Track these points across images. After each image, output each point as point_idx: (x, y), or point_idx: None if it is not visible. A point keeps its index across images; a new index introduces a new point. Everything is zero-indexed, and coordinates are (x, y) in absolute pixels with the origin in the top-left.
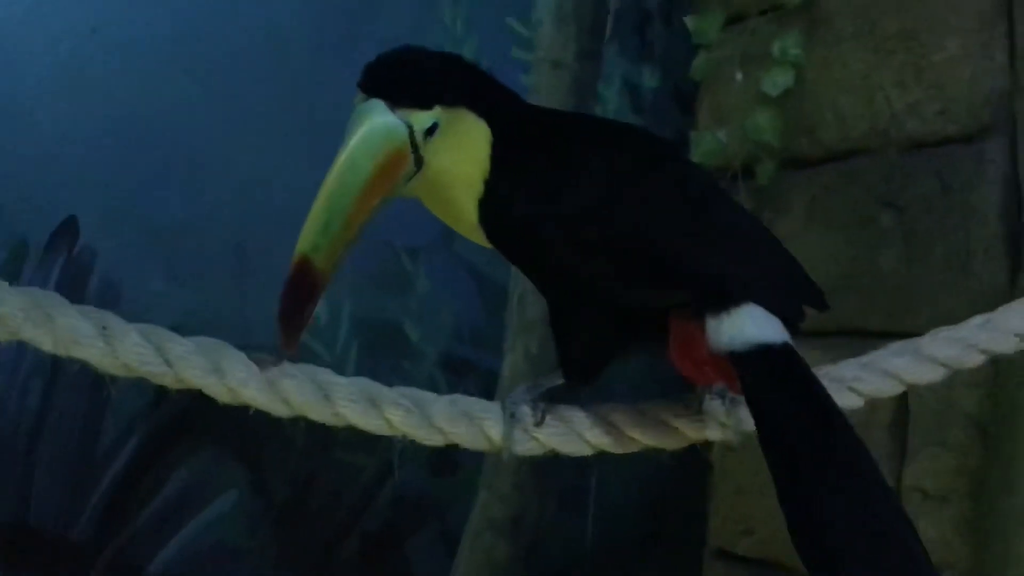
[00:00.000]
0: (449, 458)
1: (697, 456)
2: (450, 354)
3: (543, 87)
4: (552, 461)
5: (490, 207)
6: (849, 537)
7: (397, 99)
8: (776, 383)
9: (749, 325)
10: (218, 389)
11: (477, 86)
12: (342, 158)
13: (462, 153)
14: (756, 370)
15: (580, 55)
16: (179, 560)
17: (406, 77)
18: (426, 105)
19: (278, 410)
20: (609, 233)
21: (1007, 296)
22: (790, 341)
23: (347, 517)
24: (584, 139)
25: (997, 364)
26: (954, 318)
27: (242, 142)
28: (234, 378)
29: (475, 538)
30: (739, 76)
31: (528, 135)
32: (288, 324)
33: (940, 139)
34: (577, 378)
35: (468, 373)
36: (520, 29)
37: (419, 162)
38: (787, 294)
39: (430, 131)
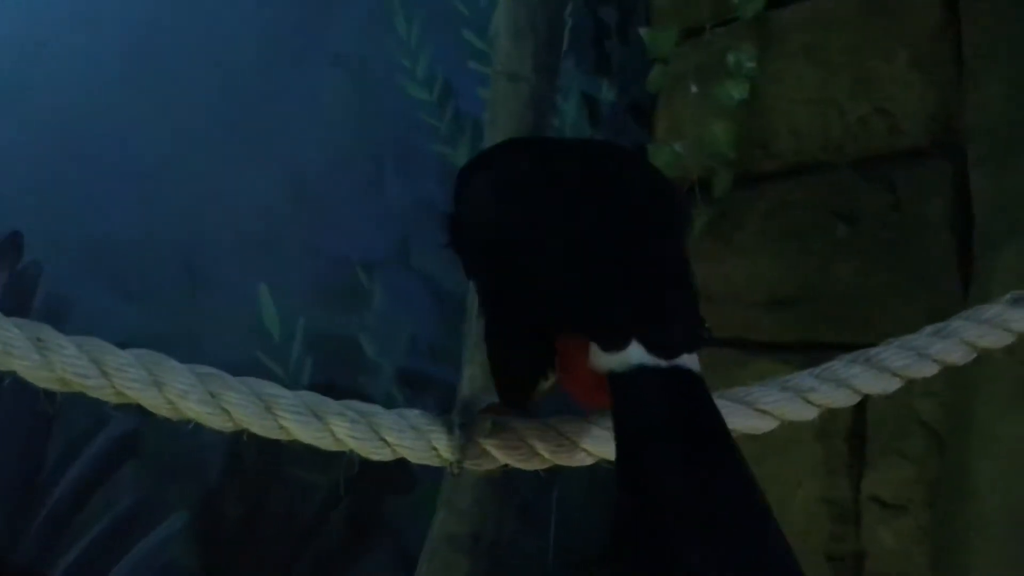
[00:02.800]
0: (406, 475)
1: None
2: (407, 369)
3: (500, 100)
4: (512, 476)
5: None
6: None
7: None
8: (648, 406)
9: (632, 349)
10: (158, 402)
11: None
12: None
13: None
14: (629, 392)
15: (537, 68)
16: None
17: None
18: None
19: (220, 424)
20: (497, 253)
21: (960, 306)
22: (684, 363)
23: (301, 536)
24: (523, 154)
25: (952, 373)
26: (909, 329)
27: (191, 157)
28: (174, 390)
29: (433, 556)
30: (694, 89)
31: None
32: None
33: (891, 153)
34: (507, 399)
35: (426, 388)
36: (476, 42)
37: None
38: (665, 335)
39: None
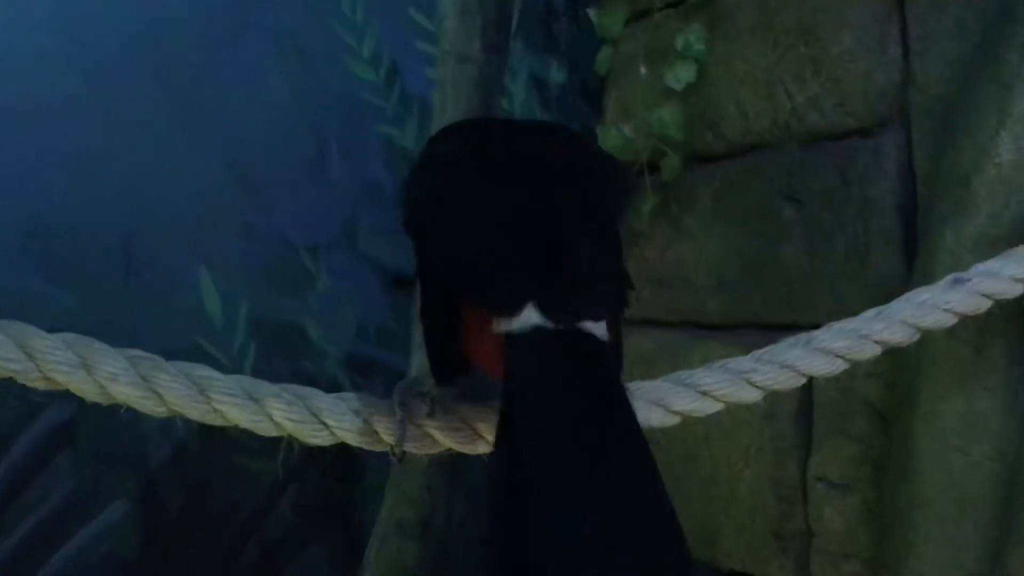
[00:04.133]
0: (353, 462)
1: None
2: (354, 355)
3: (449, 81)
4: (461, 462)
5: None
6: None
7: None
8: (535, 368)
9: (531, 311)
10: (87, 386)
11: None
12: None
13: None
14: (519, 354)
15: (486, 49)
16: (64, 574)
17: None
18: None
19: (152, 408)
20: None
21: (904, 287)
22: (587, 329)
23: (245, 525)
24: (460, 132)
25: (895, 354)
26: (854, 310)
27: (126, 136)
28: (103, 373)
29: (382, 542)
30: (643, 71)
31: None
32: None
33: (839, 132)
34: (439, 375)
35: (374, 374)
36: (424, 21)
37: None
38: (561, 299)
39: None
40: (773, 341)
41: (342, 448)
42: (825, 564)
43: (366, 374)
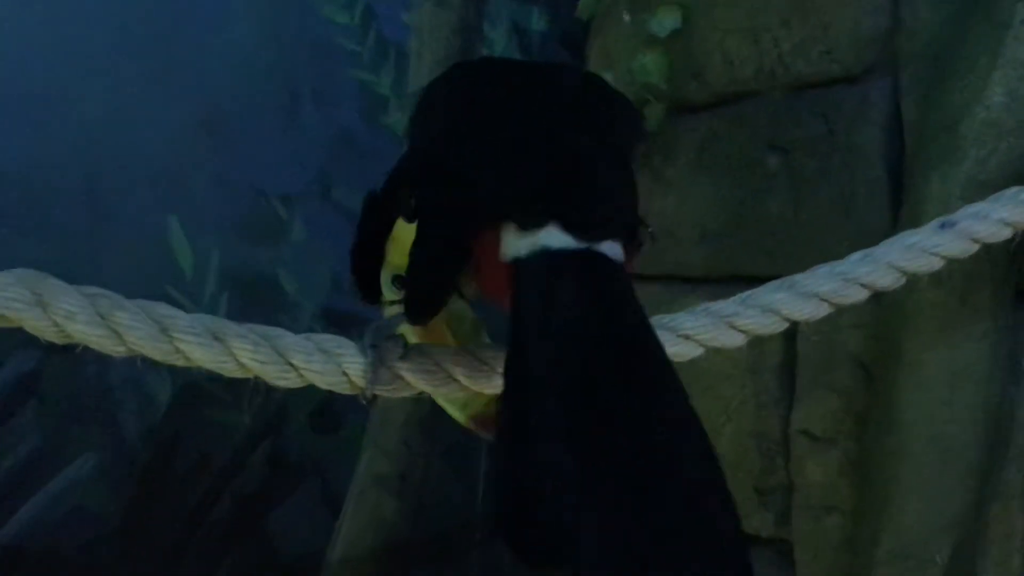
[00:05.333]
0: (330, 415)
1: None
2: (329, 307)
3: (426, 26)
4: (440, 415)
5: None
6: (601, 528)
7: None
8: (551, 292)
9: (545, 232)
10: (42, 323)
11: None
12: None
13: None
14: (531, 277)
15: None
16: (31, 528)
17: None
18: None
19: (111, 348)
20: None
21: (889, 236)
22: (604, 250)
23: (218, 479)
24: (474, 66)
25: (880, 305)
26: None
27: (91, 81)
28: (60, 311)
29: (360, 496)
30: (627, 17)
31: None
32: None
33: (825, 80)
34: (417, 316)
35: (350, 327)
36: None
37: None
38: (592, 214)
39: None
40: None
41: (319, 401)
42: (807, 518)
43: (343, 327)
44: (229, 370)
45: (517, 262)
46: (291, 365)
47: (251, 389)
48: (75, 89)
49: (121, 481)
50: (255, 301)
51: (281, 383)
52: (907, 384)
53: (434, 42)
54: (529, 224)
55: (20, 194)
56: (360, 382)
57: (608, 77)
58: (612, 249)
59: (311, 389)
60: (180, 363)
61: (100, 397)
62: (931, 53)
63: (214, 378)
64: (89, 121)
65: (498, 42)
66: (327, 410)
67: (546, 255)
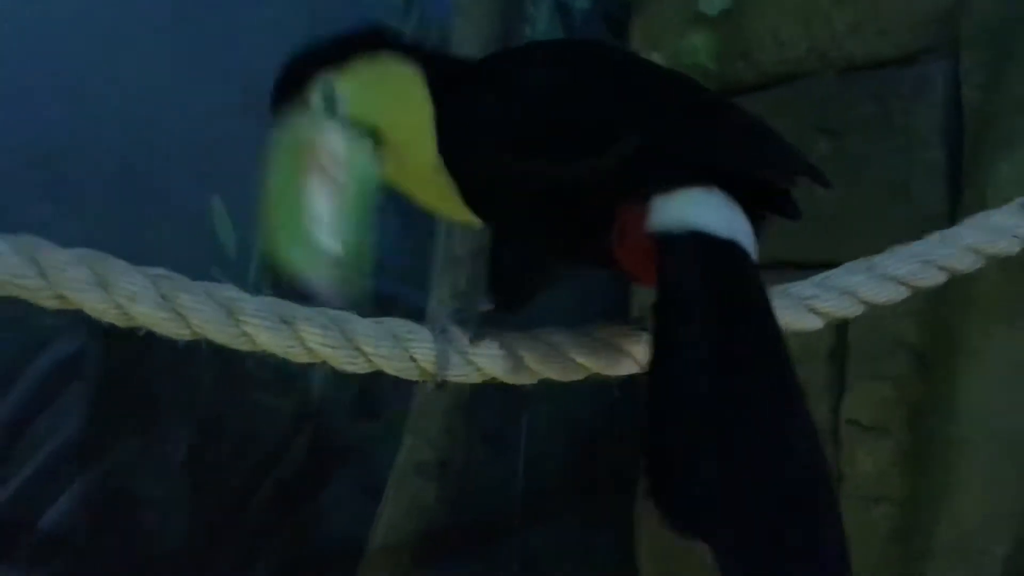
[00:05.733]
0: (371, 402)
1: (628, 395)
2: (374, 291)
3: (468, 6)
4: (481, 402)
5: (446, 139)
6: (736, 499)
7: (284, 101)
8: (697, 276)
9: (694, 209)
10: (104, 305)
11: (379, 38)
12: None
13: (397, 95)
14: (679, 256)
15: None
16: (75, 511)
17: (283, 75)
18: (302, 86)
19: (175, 330)
20: (540, 118)
21: (947, 223)
22: (743, 240)
23: (261, 463)
24: (522, 49)
25: (935, 292)
26: (892, 245)
27: (134, 60)
28: (123, 292)
29: (401, 483)
30: None
31: (460, 66)
32: None
33: (880, 61)
34: (507, 301)
35: (392, 310)
36: None
37: (360, 130)
38: (765, 156)
39: (329, 98)
40: (807, 278)
41: (360, 387)
42: (856, 507)
43: (385, 311)
44: (296, 355)
45: (661, 237)
46: (359, 350)
47: (294, 373)
48: (114, 68)
49: (164, 465)
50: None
51: (349, 368)
52: (967, 373)
53: (477, 20)
54: (686, 182)
55: (60, 174)
56: (430, 368)
57: (654, 57)
58: (748, 236)
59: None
60: (246, 347)
61: (143, 381)
62: (995, 34)
63: (258, 361)
64: (129, 100)
65: (541, 21)
66: (369, 396)
67: (694, 237)
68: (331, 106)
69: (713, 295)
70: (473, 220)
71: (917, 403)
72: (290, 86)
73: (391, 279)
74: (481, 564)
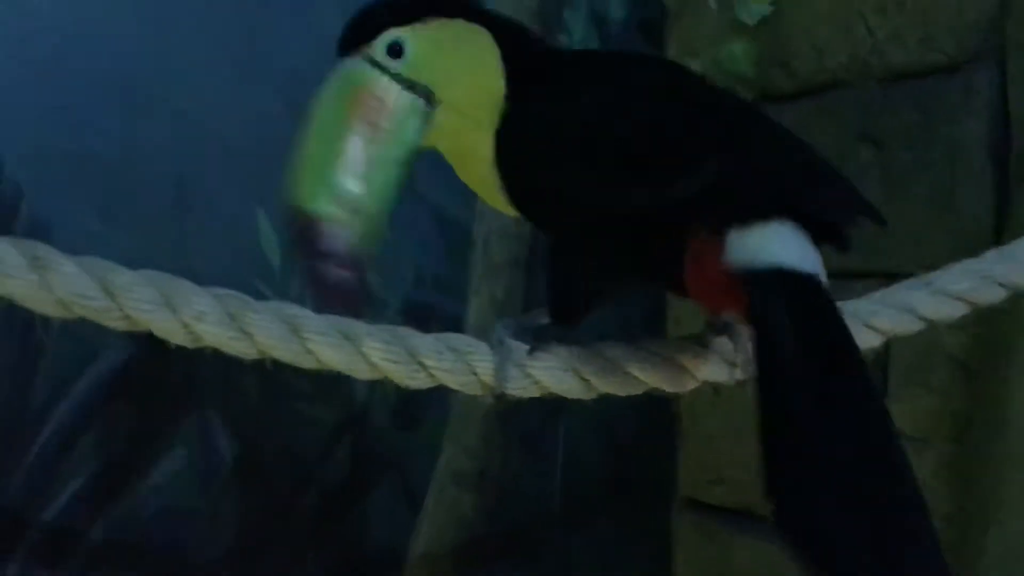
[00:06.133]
0: (411, 411)
1: (666, 404)
2: (412, 301)
3: (506, 13)
4: (519, 412)
5: (508, 131)
6: (846, 513)
7: (349, 47)
8: (791, 313)
9: (775, 244)
10: (172, 326)
11: (460, 4)
12: (311, 114)
13: (466, 60)
14: (770, 294)
15: None
16: (124, 526)
17: (352, 26)
18: (371, 35)
19: (242, 349)
20: (622, 140)
21: (992, 234)
22: (821, 274)
23: (303, 474)
24: (598, 59)
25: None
26: (936, 257)
27: (179, 68)
28: (189, 312)
29: (440, 492)
30: (713, 4)
31: (542, 57)
32: (343, 300)
33: (923, 69)
34: (565, 317)
35: (431, 320)
36: None
37: (416, 89)
38: (832, 198)
39: (394, 52)
40: (848, 290)
41: (400, 397)
42: None
43: (423, 321)
44: (359, 371)
45: (748, 275)
46: (421, 365)
47: (334, 383)
48: (166, 79)
49: (210, 478)
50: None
51: (411, 383)
52: (1017, 388)
53: None
54: (762, 215)
55: (108, 185)
56: (490, 381)
57: (692, 65)
58: (821, 270)
59: (392, 384)
60: (310, 365)
61: (193, 392)
62: None
63: (300, 372)
64: (179, 110)
65: (576, 30)
66: (408, 406)
67: (778, 273)
68: (394, 59)
69: (806, 333)
70: (511, 212)
71: (962, 415)
72: (358, 33)
73: (427, 290)
74: (520, 573)
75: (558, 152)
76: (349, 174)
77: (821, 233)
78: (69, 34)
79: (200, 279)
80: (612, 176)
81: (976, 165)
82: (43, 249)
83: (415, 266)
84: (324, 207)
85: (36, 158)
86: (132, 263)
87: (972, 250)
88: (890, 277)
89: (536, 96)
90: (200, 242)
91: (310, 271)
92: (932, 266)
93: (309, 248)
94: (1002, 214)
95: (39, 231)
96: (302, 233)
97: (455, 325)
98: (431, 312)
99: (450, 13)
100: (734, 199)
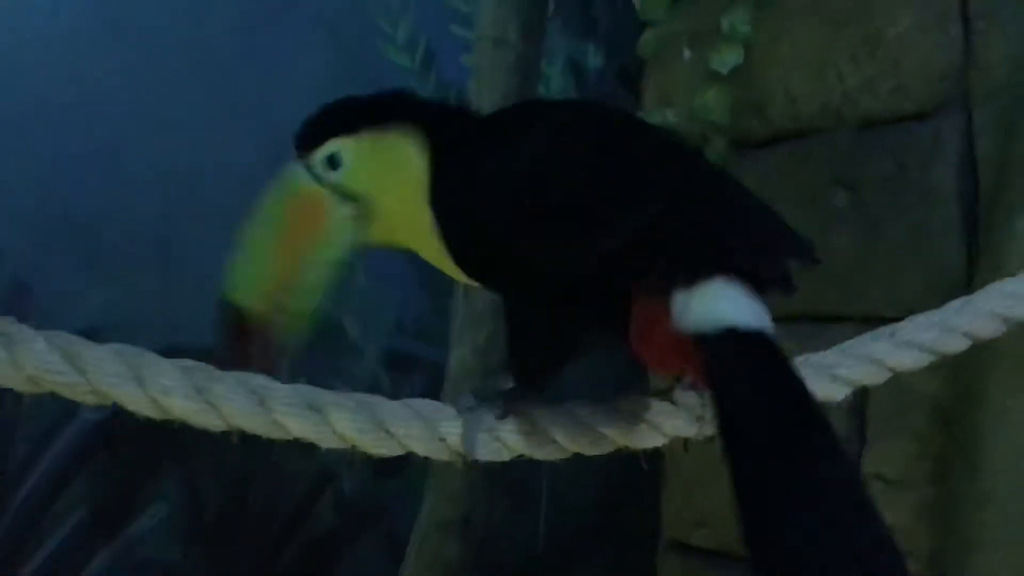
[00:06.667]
0: (394, 460)
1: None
2: (393, 350)
3: (485, 66)
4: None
5: (441, 210)
6: (814, 548)
7: (299, 149)
8: (745, 370)
9: (722, 304)
10: (140, 400)
11: (395, 108)
12: (255, 215)
13: (394, 172)
14: (724, 355)
15: (523, 32)
16: None
17: (303, 128)
18: (317, 143)
19: (208, 422)
20: (551, 192)
21: (964, 278)
22: (768, 328)
23: (287, 525)
24: (528, 115)
25: None
26: (909, 300)
27: (163, 127)
28: (157, 386)
29: (423, 540)
30: (687, 54)
31: (470, 133)
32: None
33: (895, 117)
34: (530, 381)
35: (413, 369)
36: (460, 6)
37: (350, 199)
38: (767, 247)
39: (332, 164)
40: (825, 332)
41: None
42: None
43: (405, 370)
44: (327, 440)
45: (700, 337)
46: (389, 433)
47: None
48: (150, 136)
49: (192, 528)
50: (320, 346)
51: (380, 451)
52: (992, 429)
53: (493, 81)
54: (705, 274)
55: (98, 242)
56: (459, 447)
57: (668, 113)
58: (768, 324)
59: None
60: (277, 435)
61: (174, 446)
62: (1007, 90)
63: None
64: (162, 167)
65: (555, 80)
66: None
67: (729, 333)
68: (332, 170)
69: (763, 391)
70: (468, 280)
71: (940, 458)
72: (305, 139)
73: (409, 338)
74: None
75: (487, 218)
76: (278, 276)
77: (764, 280)
78: (52, 97)
79: (183, 333)
80: (541, 232)
81: (947, 210)
82: (11, 326)
83: (396, 314)
84: (251, 303)
85: (18, 219)
86: (113, 320)
87: (945, 291)
88: (865, 320)
89: (461, 169)
90: (181, 299)
91: (228, 351)
92: (907, 308)
93: (232, 337)
94: (973, 256)
95: (21, 291)
96: (227, 322)
97: (437, 373)
98: (413, 361)
99: (384, 119)
100: (674, 260)
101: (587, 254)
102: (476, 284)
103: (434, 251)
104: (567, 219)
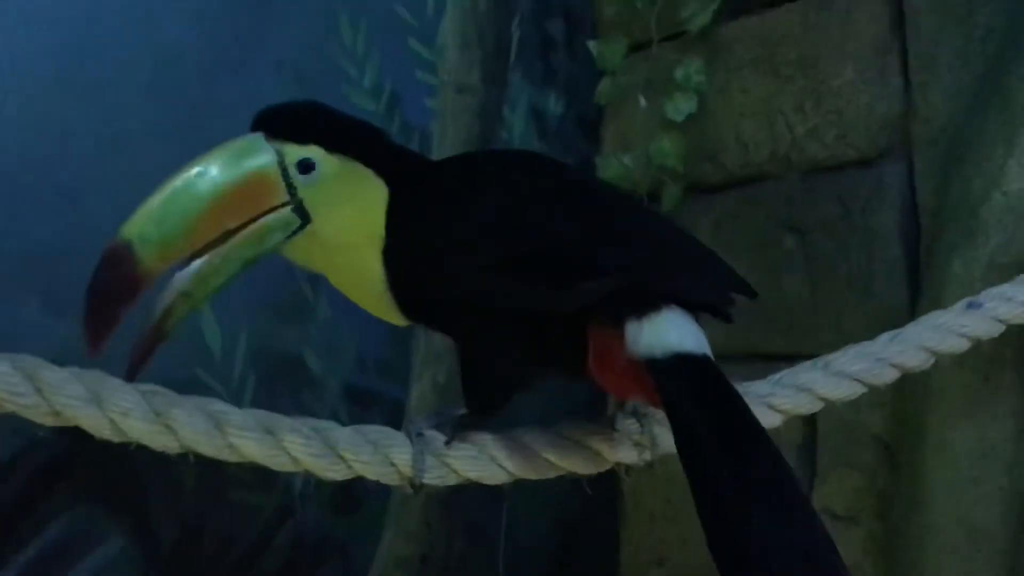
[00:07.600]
0: (352, 496)
1: (608, 485)
2: (354, 386)
3: (448, 111)
4: (461, 495)
5: (396, 260)
6: (769, 550)
7: (273, 131)
8: (697, 394)
9: (671, 332)
10: (98, 421)
11: (374, 144)
12: (198, 161)
13: (356, 209)
14: (677, 380)
15: (485, 79)
16: None
17: (287, 114)
18: (301, 140)
19: (164, 443)
20: (521, 243)
21: (908, 318)
22: (709, 354)
23: (242, 561)
24: (482, 165)
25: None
26: (855, 338)
27: (127, 165)
28: (116, 408)
29: None
30: (643, 102)
31: (426, 183)
32: (94, 322)
33: (840, 163)
34: (481, 408)
35: (373, 405)
36: (424, 52)
37: (300, 210)
38: (711, 283)
39: (305, 168)
40: (776, 370)
41: (340, 482)
42: None
43: (366, 405)
44: (282, 464)
45: (652, 363)
46: (341, 458)
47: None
48: (111, 174)
49: (148, 564)
50: (281, 380)
51: (331, 475)
52: (933, 463)
53: (456, 126)
54: (653, 307)
55: (59, 274)
56: (408, 471)
57: (625, 158)
58: (708, 346)
59: None
60: (233, 459)
61: (129, 481)
62: (945, 137)
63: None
64: (123, 205)
65: (517, 125)
66: (348, 491)
67: (678, 359)
68: (301, 174)
69: (713, 410)
70: (403, 323)
71: (886, 492)
72: (289, 125)
73: (370, 374)
74: None
75: (445, 266)
76: (190, 240)
77: (705, 311)
78: (17, 131)
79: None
80: (524, 283)
81: (890, 252)
82: None
83: (357, 350)
84: (146, 252)
85: None
86: (74, 352)
87: (890, 329)
88: (813, 358)
89: (422, 217)
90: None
91: (91, 297)
92: None
93: (104, 279)
94: (915, 295)
95: None
96: (108, 260)
97: (397, 409)
98: (373, 396)
99: (366, 156)
100: (631, 296)
101: (572, 301)
102: (406, 323)
103: (366, 290)
104: (550, 270)
